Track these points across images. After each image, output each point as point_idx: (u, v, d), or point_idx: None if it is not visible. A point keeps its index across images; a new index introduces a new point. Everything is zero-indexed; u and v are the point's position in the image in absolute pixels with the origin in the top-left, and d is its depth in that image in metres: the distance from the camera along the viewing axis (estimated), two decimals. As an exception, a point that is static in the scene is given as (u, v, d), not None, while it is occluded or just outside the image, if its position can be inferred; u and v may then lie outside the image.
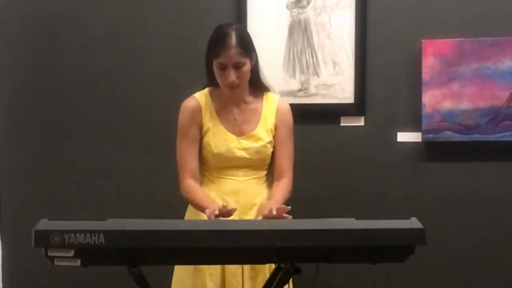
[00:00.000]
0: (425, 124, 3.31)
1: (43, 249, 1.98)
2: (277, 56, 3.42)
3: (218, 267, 2.62)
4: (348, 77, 3.39)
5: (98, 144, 3.56)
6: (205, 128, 2.69)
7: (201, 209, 2.54)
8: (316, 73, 3.42)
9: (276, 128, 2.72)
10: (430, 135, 3.32)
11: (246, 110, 2.72)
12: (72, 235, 1.96)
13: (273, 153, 2.72)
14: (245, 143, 2.68)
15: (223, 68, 2.59)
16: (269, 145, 2.70)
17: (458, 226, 3.37)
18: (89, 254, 2.00)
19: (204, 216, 2.46)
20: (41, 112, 3.62)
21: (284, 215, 2.41)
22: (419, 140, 3.35)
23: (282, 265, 2.16)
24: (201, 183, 2.72)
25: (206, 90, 2.74)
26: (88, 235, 1.97)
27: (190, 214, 2.71)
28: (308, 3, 3.40)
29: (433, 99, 3.30)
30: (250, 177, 2.70)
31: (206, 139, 2.68)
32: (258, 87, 2.74)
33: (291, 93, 3.41)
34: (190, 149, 2.69)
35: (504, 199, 3.35)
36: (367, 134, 3.42)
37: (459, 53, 3.27)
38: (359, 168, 3.42)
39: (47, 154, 3.61)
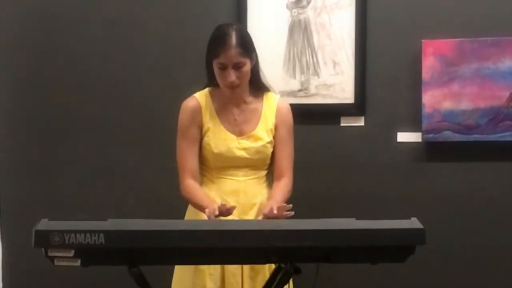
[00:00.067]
0: (425, 124, 3.31)
1: (43, 249, 1.98)
2: (277, 56, 3.41)
3: (218, 267, 2.62)
4: (348, 77, 3.39)
5: (98, 144, 3.56)
6: (205, 128, 2.69)
7: (201, 209, 2.54)
8: (316, 73, 3.42)
9: (276, 128, 2.72)
10: (430, 135, 3.32)
11: (246, 110, 2.72)
12: (72, 235, 1.96)
13: (273, 153, 2.72)
14: (245, 143, 2.68)
15: (223, 68, 2.59)
16: (269, 145, 2.70)
17: (458, 226, 3.37)
18: (89, 254, 2.00)
19: (204, 216, 2.46)
20: (41, 112, 3.62)
21: (285, 213, 2.41)
22: (419, 140, 3.35)
23: (282, 265, 2.16)
24: (201, 183, 2.72)
25: (206, 90, 2.74)
26: (88, 235, 1.97)
27: (190, 214, 2.71)
28: (308, 3, 3.40)
29: (433, 99, 3.30)
30: (250, 177, 2.70)
31: (206, 139, 2.68)
32: (258, 87, 2.74)
33: (291, 93, 3.41)
34: (190, 149, 2.69)
35: (504, 199, 3.35)
36: (367, 134, 3.42)
37: (459, 53, 3.27)
38: (359, 168, 3.42)
39: (47, 154, 3.61)
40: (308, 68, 3.42)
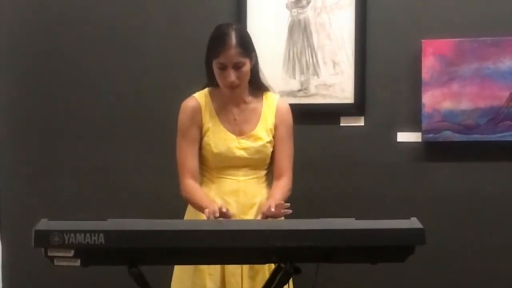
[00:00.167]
0: (425, 124, 3.31)
1: (43, 249, 1.98)
2: (277, 56, 3.41)
3: (217, 267, 2.62)
4: (348, 77, 3.39)
5: (97, 144, 3.56)
6: (205, 128, 2.69)
7: (201, 209, 2.54)
8: (316, 73, 3.42)
9: (275, 127, 2.72)
10: (430, 135, 3.32)
11: (245, 110, 2.72)
12: (72, 235, 1.96)
13: (272, 152, 2.72)
14: (245, 142, 2.68)
15: (223, 68, 2.59)
16: (268, 145, 2.70)
17: (458, 226, 3.37)
18: (89, 254, 2.00)
19: (204, 216, 2.46)
20: (41, 112, 3.62)
21: (283, 211, 2.41)
22: (419, 140, 3.35)
23: (282, 265, 2.16)
24: (201, 183, 2.72)
25: (206, 90, 2.74)
26: (88, 235, 1.97)
27: (190, 214, 2.71)
28: (308, 3, 3.40)
29: (433, 99, 3.30)
30: (250, 177, 2.70)
31: (206, 139, 2.68)
32: (257, 87, 2.74)
33: (291, 93, 3.41)
34: (190, 149, 2.69)
35: (504, 199, 3.35)
36: (367, 134, 3.42)
37: (459, 53, 3.27)
38: (359, 168, 3.42)
39: (47, 154, 3.61)
40: (307, 68, 3.42)
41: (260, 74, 2.75)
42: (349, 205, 3.38)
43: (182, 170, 2.69)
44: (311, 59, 3.41)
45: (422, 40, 3.29)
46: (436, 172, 3.39)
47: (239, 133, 2.69)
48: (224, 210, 2.41)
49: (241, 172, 2.69)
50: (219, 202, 2.57)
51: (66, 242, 1.96)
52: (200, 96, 2.72)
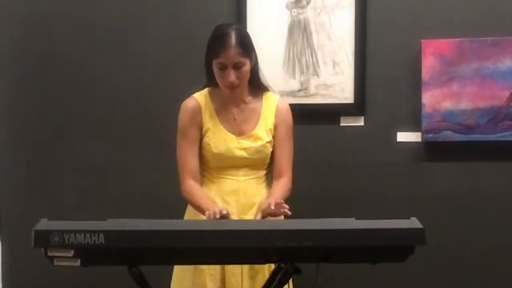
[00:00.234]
0: (424, 124, 3.31)
1: (43, 249, 1.98)
2: (277, 56, 3.42)
3: (217, 267, 2.62)
4: (348, 77, 3.39)
5: (98, 144, 3.56)
6: (204, 128, 2.69)
7: (201, 210, 2.53)
8: (316, 73, 3.42)
9: (275, 127, 2.72)
10: (430, 135, 3.32)
11: (245, 110, 2.72)
12: (72, 235, 1.96)
13: (272, 152, 2.72)
14: (245, 142, 2.68)
15: (223, 68, 2.59)
16: (268, 145, 2.70)
17: (458, 226, 3.37)
18: (89, 254, 2.00)
19: (204, 217, 2.46)
20: (41, 112, 3.62)
21: (282, 210, 2.42)
22: (419, 140, 3.35)
23: (282, 265, 2.16)
24: (201, 183, 2.72)
25: (206, 90, 2.74)
26: (88, 235, 1.97)
27: (190, 214, 2.71)
28: (308, 3, 3.40)
29: (433, 99, 3.30)
30: (250, 177, 2.70)
31: (205, 139, 2.68)
32: (257, 87, 2.74)
33: (291, 93, 3.41)
34: (190, 150, 2.69)
35: (504, 199, 3.35)
36: (367, 134, 3.42)
37: (459, 53, 3.27)
38: (359, 168, 3.42)
39: (47, 154, 3.61)
40: (307, 68, 3.42)
41: (260, 74, 2.75)
42: (349, 205, 3.38)
43: (183, 171, 2.69)
44: (311, 59, 3.41)
45: (422, 40, 3.29)
46: (436, 172, 3.39)
47: (239, 133, 2.69)
48: (224, 212, 2.41)
49: (241, 172, 2.69)
50: (219, 203, 2.58)
51: (66, 242, 1.96)
52: (200, 96, 2.72)
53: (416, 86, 3.33)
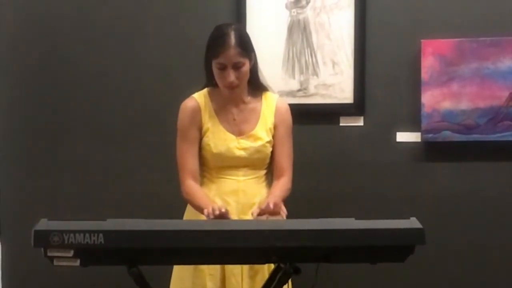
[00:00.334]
0: (424, 124, 3.31)
1: (42, 249, 1.98)
2: (277, 56, 3.42)
3: (217, 267, 2.62)
4: (347, 77, 3.39)
5: (98, 144, 3.56)
6: (204, 128, 2.69)
7: (201, 211, 2.52)
8: (316, 73, 3.42)
9: (275, 127, 2.72)
10: (430, 135, 3.32)
11: (245, 110, 2.72)
12: (72, 235, 1.96)
13: (272, 152, 2.73)
14: (245, 142, 2.68)
15: (223, 68, 2.59)
16: (268, 145, 2.70)
17: (458, 226, 3.37)
18: (88, 254, 2.00)
19: (203, 217, 2.46)
20: (41, 112, 3.62)
21: (281, 212, 2.42)
22: (419, 140, 3.35)
23: (282, 265, 2.16)
24: (201, 184, 2.72)
25: (205, 90, 2.74)
26: (87, 235, 1.97)
27: (190, 214, 2.71)
28: (308, 3, 3.40)
29: (432, 99, 3.30)
30: (250, 177, 2.70)
31: (205, 139, 2.69)
32: (257, 87, 2.74)
33: (291, 93, 3.41)
34: (190, 150, 2.69)
35: (504, 199, 3.35)
36: (367, 134, 3.42)
37: (458, 53, 3.27)
38: (359, 168, 3.42)
39: (47, 154, 3.61)
40: (307, 68, 3.42)
41: (259, 74, 2.75)
42: (349, 205, 3.38)
43: (182, 171, 2.69)
44: (310, 59, 3.41)
45: (422, 40, 3.29)
46: (436, 172, 3.39)
47: (239, 133, 2.69)
48: (223, 210, 2.41)
49: (240, 172, 2.69)
50: (219, 203, 2.58)
51: (66, 242, 1.96)
52: (200, 97, 2.72)
53: (415, 86, 3.33)
